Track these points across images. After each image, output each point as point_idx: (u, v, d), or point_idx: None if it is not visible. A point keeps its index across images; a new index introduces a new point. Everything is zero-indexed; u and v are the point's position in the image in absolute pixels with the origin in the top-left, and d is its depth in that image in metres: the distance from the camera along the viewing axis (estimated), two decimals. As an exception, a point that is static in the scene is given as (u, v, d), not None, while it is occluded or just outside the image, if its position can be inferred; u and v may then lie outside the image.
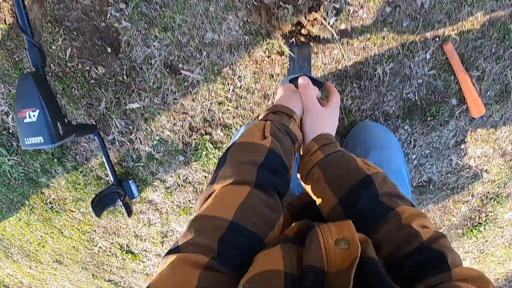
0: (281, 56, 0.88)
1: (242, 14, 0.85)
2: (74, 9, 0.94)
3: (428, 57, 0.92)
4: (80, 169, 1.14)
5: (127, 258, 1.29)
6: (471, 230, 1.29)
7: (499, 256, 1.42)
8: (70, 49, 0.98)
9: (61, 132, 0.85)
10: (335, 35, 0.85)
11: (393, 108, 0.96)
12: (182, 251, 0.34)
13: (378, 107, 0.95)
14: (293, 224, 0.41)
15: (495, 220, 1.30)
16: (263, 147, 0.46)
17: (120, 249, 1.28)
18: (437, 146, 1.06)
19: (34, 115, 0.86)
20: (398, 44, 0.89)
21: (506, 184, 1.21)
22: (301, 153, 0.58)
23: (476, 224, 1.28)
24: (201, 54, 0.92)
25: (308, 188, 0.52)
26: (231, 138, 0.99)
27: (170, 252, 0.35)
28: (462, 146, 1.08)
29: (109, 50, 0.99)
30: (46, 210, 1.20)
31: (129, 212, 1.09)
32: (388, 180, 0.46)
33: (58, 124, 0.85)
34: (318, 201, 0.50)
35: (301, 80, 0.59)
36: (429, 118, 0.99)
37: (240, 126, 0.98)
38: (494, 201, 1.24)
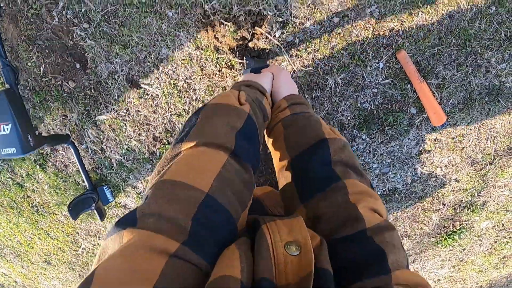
0: (231, 69, 0.87)
1: (192, 31, 0.85)
2: (44, 29, 0.97)
3: (381, 66, 0.88)
4: (60, 175, 1.18)
5: (108, 258, 1.32)
6: (445, 239, 1.22)
7: (480, 264, 1.34)
8: (43, 65, 1.02)
9: (31, 143, 0.89)
10: (282, 48, 0.83)
11: (348, 117, 0.93)
12: (141, 225, 0.26)
13: (332, 117, 0.92)
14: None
15: (471, 229, 1.23)
16: (242, 111, 0.40)
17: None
18: (398, 155, 1.02)
19: (7, 128, 0.90)
20: (349, 54, 0.86)
21: (480, 193, 1.14)
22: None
23: (450, 232, 1.22)
24: (158, 69, 0.93)
25: (269, 143, 0.49)
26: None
27: (124, 223, 0.26)
28: (426, 155, 1.02)
29: (77, 66, 1.02)
30: (33, 213, 1.26)
31: (102, 216, 1.12)
32: (347, 149, 0.40)
33: (29, 136, 0.89)
34: (274, 158, 0.46)
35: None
36: (386, 128, 0.95)
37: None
38: (468, 209, 1.18)
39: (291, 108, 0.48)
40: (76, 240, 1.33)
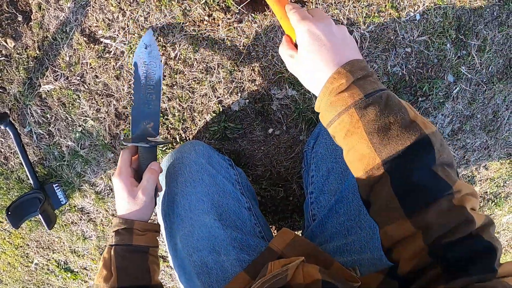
0: (225, 13, 0.56)
1: None
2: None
3: (418, 17, 0.61)
4: (0, 171, 0.79)
5: (67, 277, 0.93)
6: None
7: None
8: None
9: None
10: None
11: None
12: None
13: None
14: None
15: (493, 224, 0.97)
16: None
17: (58, 267, 0.92)
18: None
19: None
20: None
21: (506, 182, 0.89)
22: (316, 88, 0.35)
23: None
24: (124, 16, 0.59)
25: (335, 133, 0.34)
26: (167, 128, 0.66)
27: None
28: (459, 136, 0.75)
29: (20, 18, 0.66)
30: (-36, 222, 0.85)
31: (49, 223, 0.74)
32: (444, 143, 0.32)
33: None
34: (350, 154, 0.34)
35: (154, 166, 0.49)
36: (420, 99, 0.67)
37: (179, 111, 0.64)
38: (492, 203, 0.92)
39: (360, 86, 0.32)
40: (27, 253, 0.92)
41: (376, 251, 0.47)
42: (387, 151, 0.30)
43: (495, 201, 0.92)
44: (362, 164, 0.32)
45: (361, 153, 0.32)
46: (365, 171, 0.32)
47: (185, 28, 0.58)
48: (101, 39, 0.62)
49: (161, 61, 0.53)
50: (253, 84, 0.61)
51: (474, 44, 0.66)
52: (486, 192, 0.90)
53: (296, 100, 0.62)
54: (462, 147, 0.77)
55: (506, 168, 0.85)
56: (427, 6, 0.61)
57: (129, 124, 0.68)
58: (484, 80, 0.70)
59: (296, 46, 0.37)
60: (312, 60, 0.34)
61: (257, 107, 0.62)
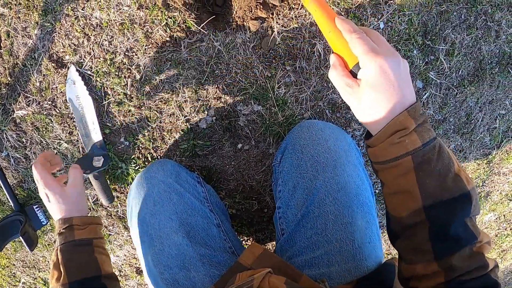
0: (186, 34, 0.55)
1: None
2: None
3: (382, 26, 0.60)
4: (-18, 195, 0.78)
5: (56, 293, 0.92)
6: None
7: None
8: None
9: None
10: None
11: (343, 96, 0.62)
12: None
13: (322, 96, 0.61)
14: None
15: (476, 223, 0.95)
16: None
17: (45, 285, 0.91)
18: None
19: None
20: (342, 10, 0.56)
21: (484, 182, 0.87)
22: (375, 130, 0.35)
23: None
24: (89, 41, 0.58)
25: (385, 172, 0.36)
26: (138, 148, 0.65)
27: None
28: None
29: (-11, 46, 0.65)
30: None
31: (31, 244, 0.73)
32: (477, 196, 0.34)
33: None
34: (396, 195, 0.35)
35: None
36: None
37: (148, 131, 0.63)
38: (473, 202, 0.90)
39: (419, 133, 0.32)
40: (14, 273, 0.91)
41: (344, 264, 0.46)
42: (432, 200, 0.33)
43: (477, 201, 0.90)
44: (405, 206, 0.34)
45: (407, 196, 0.34)
46: (406, 213, 0.34)
47: (149, 50, 0.57)
48: (68, 64, 0.61)
49: (88, 94, 0.59)
50: (218, 101, 0.60)
51: (442, 48, 0.64)
52: (467, 193, 0.88)
53: (262, 115, 0.60)
54: (438, 151, 0.76)
55: (484, 168, 0.84)
56: (391, 14, 0.59)
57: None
58: (455, 84, 0.69)
59: (352, 73, 0.34)
60: (377, 98, 0.32)
61: (225, 124, 0.61)
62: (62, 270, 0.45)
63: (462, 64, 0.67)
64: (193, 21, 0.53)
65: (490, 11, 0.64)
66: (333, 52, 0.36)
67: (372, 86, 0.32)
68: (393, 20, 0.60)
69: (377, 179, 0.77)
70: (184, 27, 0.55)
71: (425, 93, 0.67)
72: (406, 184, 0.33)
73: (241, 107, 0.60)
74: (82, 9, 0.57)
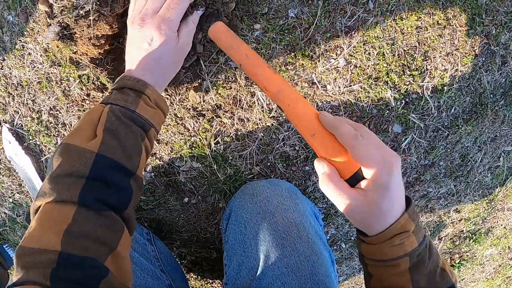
0: (102, 91, 0.47)
1: (41, 39, 0.45)
2: None
3: (342, 63, 0.47)
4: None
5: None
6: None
7: (481, 289, 0.97)
8: None
9: None
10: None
11: (296, 147, 0.52)
12: None
13: (271, 149, 0.52)
14: None
15: (473, 259, 0.84)
16: (89, 153, 0.31)
17: None
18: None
19: None
20: (284, 47, 0.45)
21: (485, 219, 0.75)
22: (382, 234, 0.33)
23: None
24: (14, 100, 0.53)
25: (380, 268, 0.35)
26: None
27: None
28: (417, 187, 0.62)
29: None
30: None
31: (0, 284, 0.75)
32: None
33: None
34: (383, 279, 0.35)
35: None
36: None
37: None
38: (470, 240, 0.79)
39: (415, 233, 0.33)
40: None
41: None
42: None
43: (474, 238, 0.78)
44: None
45: None
46: None
47: (70, 108, 0.50)
48: (2, 123, 0.56)
49: (25, 153, 0.54)
50: (154, 157, 0.53)
51: (428, 84, 0.50)
52: (462, 231, 0.77)
53: (202, 172, 0.53)
54: (423, 197, 0.64)
55: (484, 207, 0.71)
56: (354, 47, 0.46)
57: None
58: (446, 124, 0.55)
59: (348, 182, 0.31)
60: (387, 206, 0.31)
61: (165, 180, 0.55)
62: (98, 133, 0.32)
63: (455, 101, 0.53)
64: (107, 77, 0.45)
65: (494, 32, 0.48)
66: (319, 157, 0.32)
67: (385, 197, 0.30)
68: (357, 55, 0.47)
69: (336, 245, 0.68)
70: (99, 84, 0.47)
71: (406, 139, 0.55)
72: (400, 281, 0.34)
73: (179, 163, 0.53)
74: (1, 68, 0.50)
